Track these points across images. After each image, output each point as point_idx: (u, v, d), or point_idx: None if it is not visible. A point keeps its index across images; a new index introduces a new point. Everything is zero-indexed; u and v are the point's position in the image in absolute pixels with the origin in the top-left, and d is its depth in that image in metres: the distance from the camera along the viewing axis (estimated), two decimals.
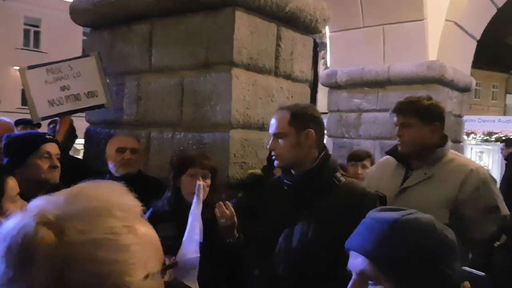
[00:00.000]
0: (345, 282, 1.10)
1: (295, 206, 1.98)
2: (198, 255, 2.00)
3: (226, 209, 2.15)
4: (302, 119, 2.00)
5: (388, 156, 2.63)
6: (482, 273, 1.45)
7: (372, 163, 3.78)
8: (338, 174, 1.99)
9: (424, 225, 1.07)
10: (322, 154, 2.00)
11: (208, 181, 2.33)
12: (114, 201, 0.73)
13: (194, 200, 2.03)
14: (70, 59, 3.15)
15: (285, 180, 2.05)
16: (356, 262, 1.08)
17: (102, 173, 2.80)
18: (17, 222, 0.68)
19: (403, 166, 2.49)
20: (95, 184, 0.77)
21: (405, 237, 1.05)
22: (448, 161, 2.38)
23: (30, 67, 3.12)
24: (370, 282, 1.06)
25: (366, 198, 1.91)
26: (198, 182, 2.07)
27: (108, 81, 3.22)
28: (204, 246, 2.04)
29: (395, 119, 2.44)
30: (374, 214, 1.14)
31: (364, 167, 3.63)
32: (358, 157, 3.68)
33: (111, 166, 2.83)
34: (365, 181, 2.67)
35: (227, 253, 2.21)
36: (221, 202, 2.19)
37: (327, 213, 1.88)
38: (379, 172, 2.66)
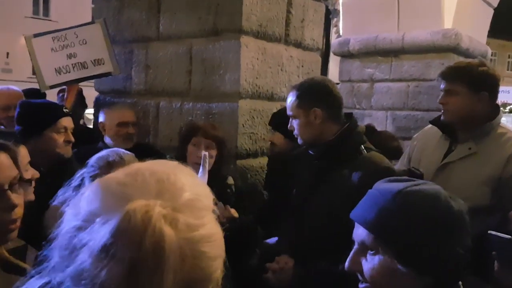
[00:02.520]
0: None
1: (316, 177, 2.01)
2: None
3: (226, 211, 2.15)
4: (308, 99, 2.00)
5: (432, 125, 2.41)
6: (509, 236, 1.43)
7: None
8: (362, 147, 1.97)
9: (427, 196, 1.05)
10: (345, 126, 1.99)
11: (213, 152, 2.31)
12: (201, 189, 0.68)
13: (200, 171, 2.01)
14: (75, 26, 3.11)
15: (309, 151, 2.08)
16: (358, 232, 1.10)
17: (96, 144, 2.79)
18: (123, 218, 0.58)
19: (447, 138, 2.29)
20: (168, 167, 0.69)
21: (406, 208, 1.04)
22: (497, 136, 2.16)
23: (36, 35, 3.10)
24: (369, 252, 1.07)
25: (381, 171, 1.86)
26: (203, 152, 2.05)
27: (116, 49, 3.18)
28: None
29: (442, 85, 2.24)
30: (380, 185, 1.14)
31: None
32: None
33: (108, 139, 2.81)
34: (409, 150, 2.52)
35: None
36: (227, 206, 2.18)
37: (343, 185, 1.89)
38: (421, 143, 2.45)
